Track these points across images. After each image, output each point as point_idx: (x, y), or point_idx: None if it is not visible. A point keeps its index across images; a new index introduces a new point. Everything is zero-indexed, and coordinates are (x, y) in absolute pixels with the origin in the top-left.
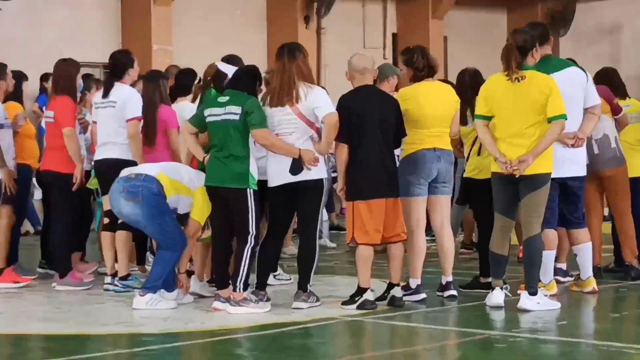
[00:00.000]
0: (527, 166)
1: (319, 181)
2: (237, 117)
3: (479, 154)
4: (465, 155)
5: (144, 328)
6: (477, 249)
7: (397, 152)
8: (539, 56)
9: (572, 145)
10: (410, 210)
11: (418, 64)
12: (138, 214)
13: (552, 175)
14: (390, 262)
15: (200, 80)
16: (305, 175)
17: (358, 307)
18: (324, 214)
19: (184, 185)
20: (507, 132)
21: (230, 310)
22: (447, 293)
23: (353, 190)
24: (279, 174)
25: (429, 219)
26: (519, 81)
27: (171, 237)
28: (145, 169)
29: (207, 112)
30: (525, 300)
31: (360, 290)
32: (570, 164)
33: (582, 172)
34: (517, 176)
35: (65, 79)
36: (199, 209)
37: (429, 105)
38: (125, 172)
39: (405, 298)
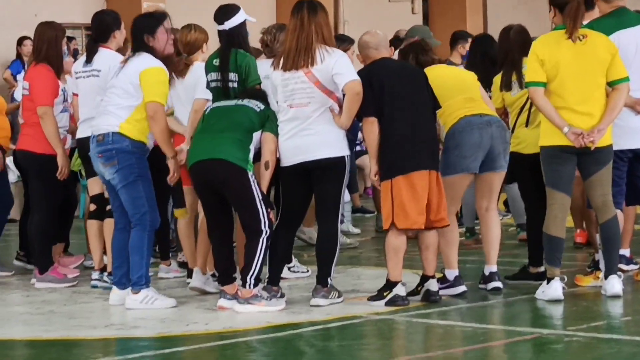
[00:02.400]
0: (602, 137)
1: (342, 159)
2: (257, 109)
3: (526, 125)
4: (511, 126)
5: (139, 331)
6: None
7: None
8: (609, 8)
9: None
10: (453, 189)
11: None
12: (115, 178)
13: (623, 147)
14: (423, 251)
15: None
16: (325, 153)
17: (387, 304)
18: (345, 195)
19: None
20: (572, 99)
21: (238, 309)
22: (490, 285)
23: (389, 166)
24: (294, 151)
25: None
26: (580, 40)
27: (140, 209)
28: (106, 122)
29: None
30: (616, 284)
31: (390, 284)
32: None
33: None
34: (592, 149)
35: (48, 45)
36: (150, 88)
37: (449, 75)
38: (94, 131)
39: (441, 292)
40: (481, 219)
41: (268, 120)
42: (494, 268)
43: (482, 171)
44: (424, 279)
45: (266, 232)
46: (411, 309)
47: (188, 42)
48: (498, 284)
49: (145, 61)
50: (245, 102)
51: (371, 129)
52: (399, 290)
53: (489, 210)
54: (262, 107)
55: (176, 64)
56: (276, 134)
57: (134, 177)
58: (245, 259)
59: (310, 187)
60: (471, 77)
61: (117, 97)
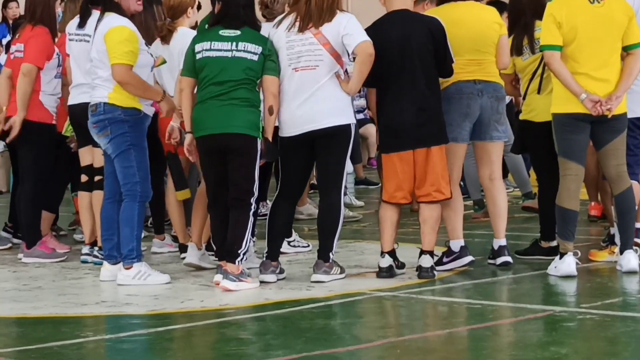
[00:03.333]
0: (619, 104)
1: (347, 127)
2: (255, 58)
3: (538, 92)
4: (522, 93)
5: (131, 308)
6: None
7: None
8: None
9: None
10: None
11: None
12: (109, 148)
13: (639, 114)
14: (420, 225)
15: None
16: (333, 121)
17: (378, 276)
18: (348, 166)
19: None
20: (589, 65)
21: (232, 287)
22: (499, 260)
23: (381, 141)
24: (299, 120)
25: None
26: (598, 2)
27: (131, 179)
28: (97, 93)
29: (202, 46)
30: (633, 258)
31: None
32: None
33: None
34: (609, 117)
35: (43, 7)
36: (112, 51)
37: (462, 26)
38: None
39: (448, 266)
40: (485, 189)
41: (267, 61)
42: (502, 242)
43: (476, 140)
44: (421, 254)
45: (254, 206)
46: (416, 285)
47: (172, 5)
48: (507, 258)
49: (107, 23)
50: (242, 51)
51: (373, 98)
52: (382, 262)
53: (493, 179)
54: (259, 50)
55: (158, 29)
56: (277, 74)
57: (127, 146)
58: (234, 233)
59: (311, 157)
60: (488, 22)
61: (98, 69)
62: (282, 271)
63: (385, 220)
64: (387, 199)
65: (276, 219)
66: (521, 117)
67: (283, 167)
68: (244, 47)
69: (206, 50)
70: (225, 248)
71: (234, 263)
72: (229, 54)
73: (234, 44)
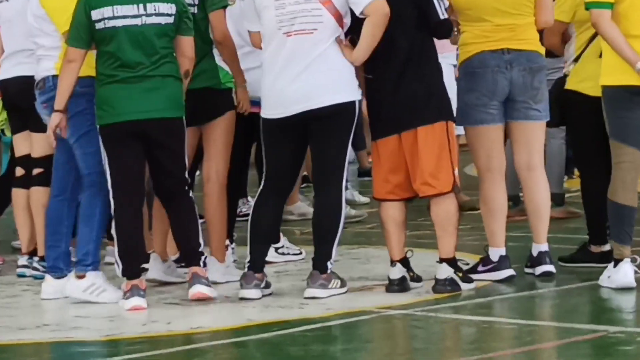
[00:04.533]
0: None
1: (351, 105)
2: (170, 20)
3: (600, 56)
4: (574, 55)
5: (81, 333)
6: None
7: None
8: None
9: None
10: (476, 146)
11: None
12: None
13: None
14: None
15: None
16: (335, 97)
17: (388, 290)
18: (350, 154)
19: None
20: None
21: (208, 292)
22: (539, 269)
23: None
24: (292, 98)
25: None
26: None
27: (94, 168)
28: (42, 66)
29: (101, 13)
30: None
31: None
32: None
33: None
34: None
35: None
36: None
37: None
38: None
39: (482, 276)
40: (522, 181)
41: (181, 20)
42: (543, 247)
43: (509, 119)
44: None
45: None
46: (434, 302)
47: None
48: (549, 267)
49: None
50: (152, 15)
51: (361, 76)
52: (394, 274)
53: (531, 168)
54: (173, 9)
55: None
56: (192, 34)
57: (88, 127)
58: (187, 232)
59: (304, 143)
60: None
61: (38, 37)
62: (268, 285)
63: (387, 221)
64: (375, 196)
65: (260, 220)
66: (568, 86)
67: (268, 156)
68: (155, 9)
69: (108, 18)
70: (184, 252)
71: (200, 265)
72: (137, 22)
73: (142, 6)
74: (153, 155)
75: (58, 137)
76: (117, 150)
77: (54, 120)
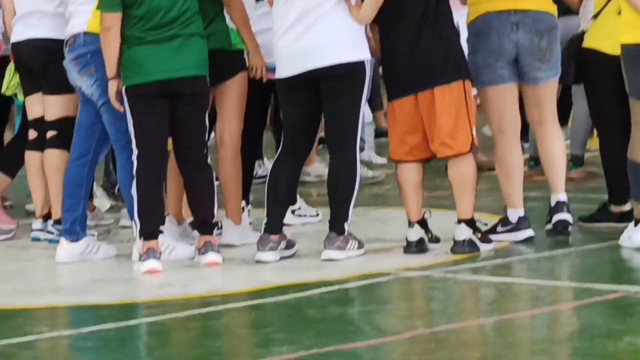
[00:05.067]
0: None
1: (359, 65)
2: None
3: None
4: (593, 12)
5: (96, 297)
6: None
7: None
8: None
9: None
10: (488, 107)
11: None
12: (95, 92)
13: None
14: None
15: None
16: (341, 57)
17: (406, 251)
18: (366, 114)
19: None
20: None
21: (218, 259)
22: (556, 217)
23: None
24: (297, 56)
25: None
26: None
27: (127, 133)
28: (73, 23)
29: None
30: None
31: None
32: None
33: None
34: None
35: None
36: None
37: None
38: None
39: (501, 237)
40: (537, 135)
41: None
42: (561, 196)
43: (519, 81)
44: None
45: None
46: (453, 263)
47: None
48: (565, 215)
49: None
50: None
51: (376, 37)
52: (410, 234)
53: (543, 123)
54: None
55: None
56: None
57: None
58: (202, 202)
59: (316, 102)
60: None
61: None
62: (290, 245)
63: (404, 182)
64: (391, 157)
65: (278, 183)
66: (586, 44)
67: (285, 117)
68: None
69: None
70: (196, 222)
71: (212, 235)
72: None
73: None
74: (177, 117)
75: (85, 100)
76: (143, 111)
77: (112, 88)
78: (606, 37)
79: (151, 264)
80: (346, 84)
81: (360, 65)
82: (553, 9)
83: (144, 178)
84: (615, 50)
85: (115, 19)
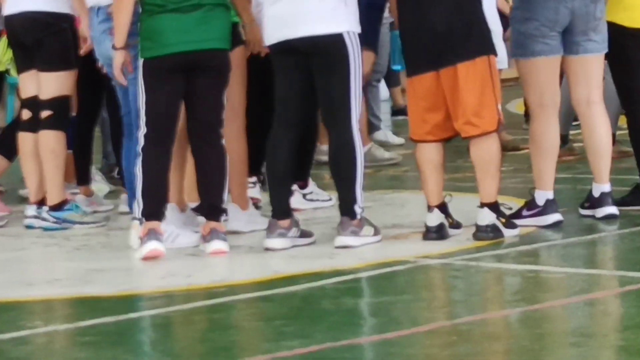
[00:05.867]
0: None
1: (338, 38)
2: None
3: None
4: None
5: (94, 288)
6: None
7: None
8: None
9: None
10: (530, 79)
11: None
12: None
13: None
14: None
15: None
16: (312, 27)
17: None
18: (382, 91)
19: None
20: None
21: (224, 247)
22: (601, 212)
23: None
24: (276, 23)
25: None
26: None
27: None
28: None
29: None
30: None
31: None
32: None
33: None
34: None
35: None
36: None
37: None
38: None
39: (526, 221)
40: (581, 117)
41: None
42: (606, 187)
43: (566, 54)
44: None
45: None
46: (476, 250)
47: None
48: (612, 209)
49: None
50: None
51: (394, 5)
52: (429, 219)
53: (591, 103)
54: None
55: None
56: None
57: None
58: (211, 183)
59: (304, 73)
60: None
61: None
62: (304, 234)
63: (423, 163)
64: (411, 136)
65: (276, 162)
66: (609, 18)
67: (277, 86)
68: None
69: None
70: (203, 205)
71: (219, 221)
72: None
73: None
74: (195, 91)
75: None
76: (158, 85)
77: (118, 60)
78: (627, 9)
79: (153, 245)
80: (329, 59)
81: (337, 37)
82: None
83: (151, 156)
84: (634, 23)
85: None
